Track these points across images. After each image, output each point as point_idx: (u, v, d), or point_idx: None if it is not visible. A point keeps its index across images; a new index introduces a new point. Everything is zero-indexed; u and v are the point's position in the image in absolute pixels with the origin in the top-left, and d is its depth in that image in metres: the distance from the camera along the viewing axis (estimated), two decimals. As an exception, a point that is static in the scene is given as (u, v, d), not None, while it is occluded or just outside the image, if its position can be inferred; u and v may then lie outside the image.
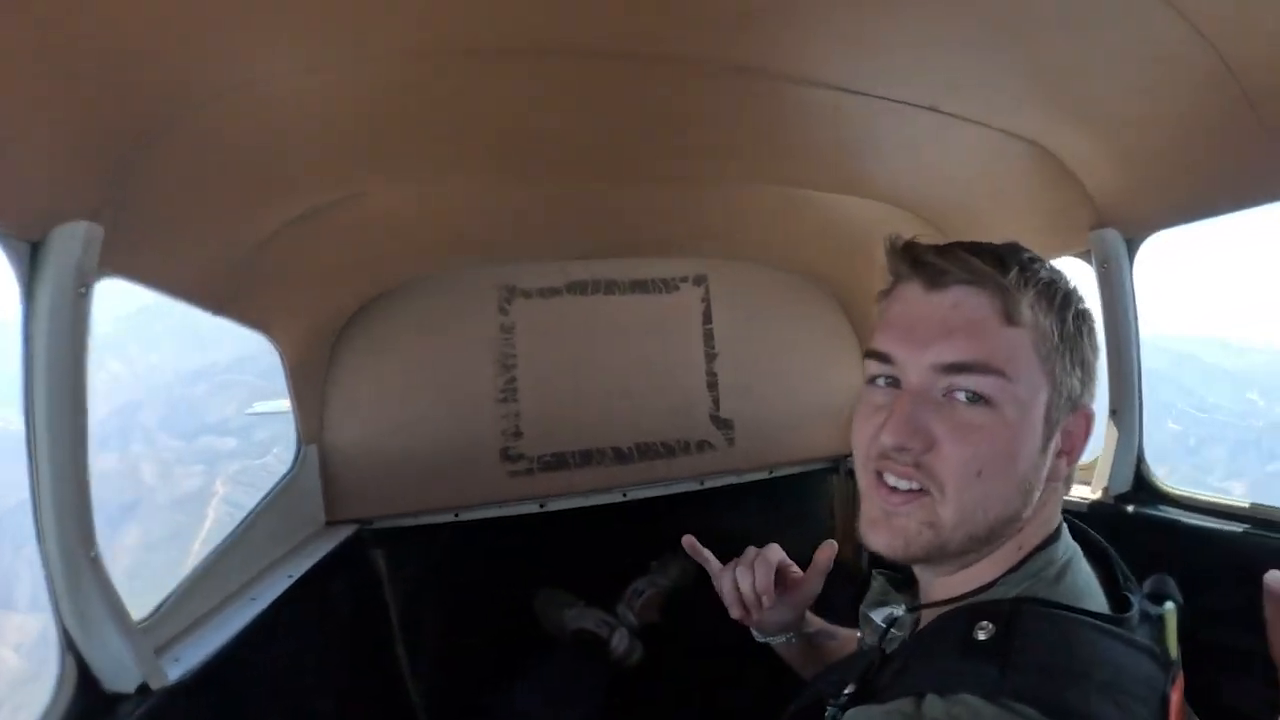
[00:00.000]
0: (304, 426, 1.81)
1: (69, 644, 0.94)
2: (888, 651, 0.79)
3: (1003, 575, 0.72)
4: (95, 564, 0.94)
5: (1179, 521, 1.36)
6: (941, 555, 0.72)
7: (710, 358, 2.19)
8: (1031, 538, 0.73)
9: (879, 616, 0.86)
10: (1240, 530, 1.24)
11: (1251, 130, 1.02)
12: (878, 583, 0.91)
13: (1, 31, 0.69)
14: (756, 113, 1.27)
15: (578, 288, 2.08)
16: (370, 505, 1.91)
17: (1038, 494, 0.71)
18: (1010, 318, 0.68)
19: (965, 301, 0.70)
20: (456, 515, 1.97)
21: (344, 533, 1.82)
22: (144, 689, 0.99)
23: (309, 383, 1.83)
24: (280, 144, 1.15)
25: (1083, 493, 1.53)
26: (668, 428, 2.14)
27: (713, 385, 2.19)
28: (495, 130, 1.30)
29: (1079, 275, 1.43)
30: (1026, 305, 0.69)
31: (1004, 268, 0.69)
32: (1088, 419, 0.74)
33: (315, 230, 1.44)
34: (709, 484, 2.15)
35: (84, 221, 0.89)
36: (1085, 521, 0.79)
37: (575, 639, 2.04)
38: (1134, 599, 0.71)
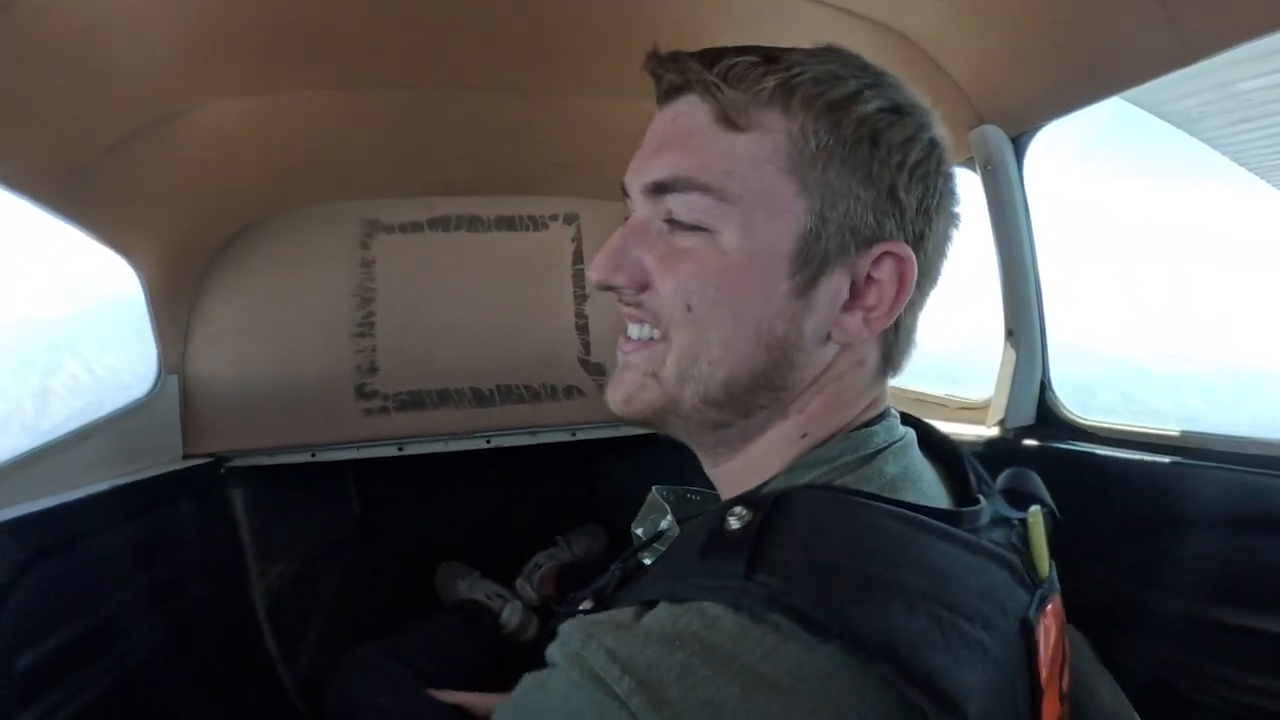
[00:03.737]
0: (165, 356, 1.76)
1: None
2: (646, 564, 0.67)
3: (788, 468, 0.57)
4: None
5: (1093, 454, 1.22)
6: (673, 418, 0.59)
7: (580, 299, 2.12)
8: (823, 423, 0.58)
9: (641, 531, 0.74)
10: (1168, 462, 1.11)
11: None
12: (650, 496, 0.77)
13: None
14: (606, 2, 1.20)
15: (440, 224, 2.03)
16: (229, 440, 1.85)
17: (804, 355, 0.56)
18: (730, 121, 0.54)
19: (685, 112, 0.57)
20: (313, 455, 1.91)
21: (200, 467, 1.77)
22: None
23: (171, 312, 1.77)
24: (114, 46, 1.10)
25: (977, 431, 1.41)
26: (533, 370, 2.06)
27: (583, 329, 2.12)
28: (329, 33, 1.24)
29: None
30: (757, 105, 0.54)
31: (715, 60, 0.55)
32: (900, 262, 0.55)
33: (164, 143, 1.39)
34: (581, 435, 2.07)
35: None
36: (981, 461, 0.65)
37: (461, 609, 1.98)
38: (986, 503, 0.57)
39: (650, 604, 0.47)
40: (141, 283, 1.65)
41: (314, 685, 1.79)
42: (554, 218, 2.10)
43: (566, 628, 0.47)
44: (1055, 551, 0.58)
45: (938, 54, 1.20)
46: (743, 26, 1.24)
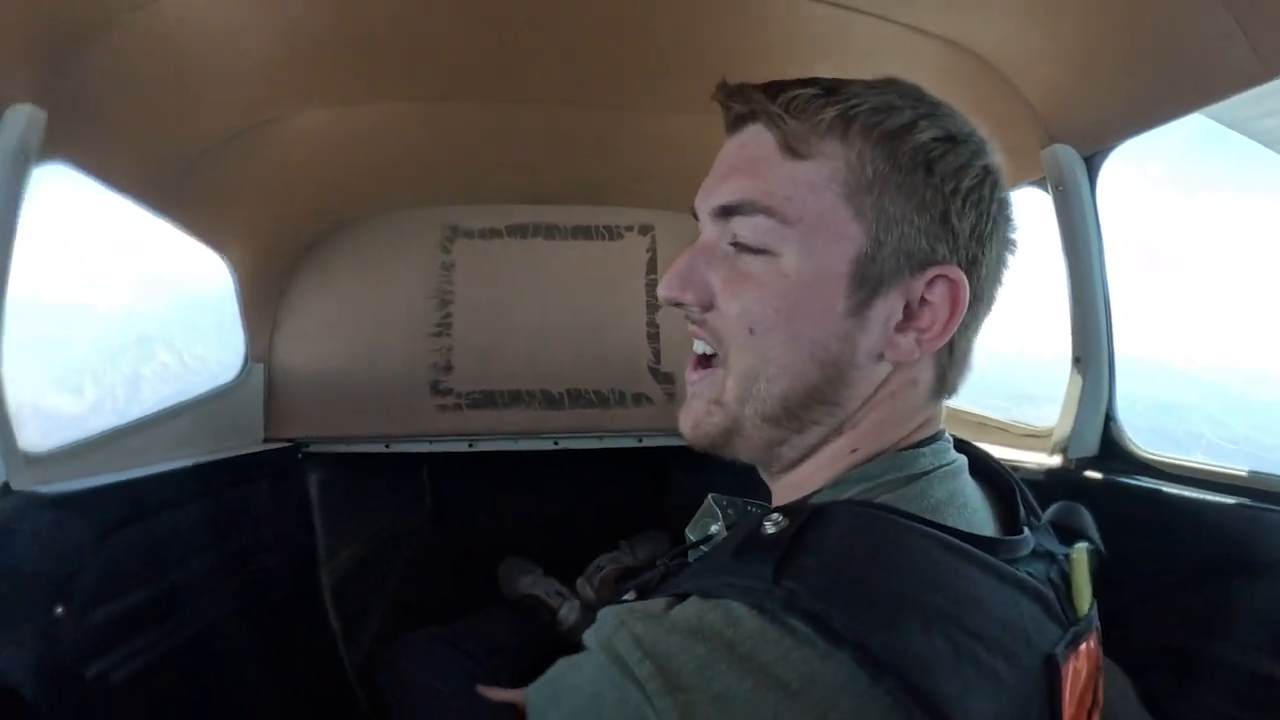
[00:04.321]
0: (252, 345, 1.88)
1: None
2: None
3: (833, 481, 0.59)
4: None
5: (1158, 491, 1.16)
6: (736, 439, 0.61)
7: (652, 309, 2.16)
8: (873, 440, 0.59)
9: (694, 535, 0.77)
10: (1237, 503, 1.04)
11: (1210, 7, 0.90)
12: (706, 502, 0.80)
13: None
14: (685, 20, 1.23)
15: (519, 231, 2.10)
16: (307, 427, 1.96)
17: (858, 372, 0.58)
18: (792, 149, 0.57)
19: (751, 140, 0.60)
20: (387, 446, 2.00)
21: (279, 450, 1.89)
22: (5, 489, 1.07)
23: (260, 305, 1.90)
24: (211, 56, 1.21)
25: (1038, 459, 1.37)
26: (603, 376, 2.11)
27: (654, 337, 2.15)
28: (413, 48, 1.31)
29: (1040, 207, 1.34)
30: (817, 134, 0.57)
31: (779, 92, 0.58)
32: (953, 285, 0.57)
33: (257, 149, 1.50)
34: (648, 442, 2.09)
35: (29, 105, 1.02)
36: (1040, 492, 0.64)
37: (521, 604, 2.03)
38: (1031, 534, 0.57)
39: (682, 597, 0.49)
40: (233, 277, 1.78)
41: (371, 665, 1.88)
42: (629, 228, 2.15)
43: (604, 614, 0.50)
44: (1104, 590, 0.57)
45: (1009, 72, 1.19)
46: (813, 46, 1.26)
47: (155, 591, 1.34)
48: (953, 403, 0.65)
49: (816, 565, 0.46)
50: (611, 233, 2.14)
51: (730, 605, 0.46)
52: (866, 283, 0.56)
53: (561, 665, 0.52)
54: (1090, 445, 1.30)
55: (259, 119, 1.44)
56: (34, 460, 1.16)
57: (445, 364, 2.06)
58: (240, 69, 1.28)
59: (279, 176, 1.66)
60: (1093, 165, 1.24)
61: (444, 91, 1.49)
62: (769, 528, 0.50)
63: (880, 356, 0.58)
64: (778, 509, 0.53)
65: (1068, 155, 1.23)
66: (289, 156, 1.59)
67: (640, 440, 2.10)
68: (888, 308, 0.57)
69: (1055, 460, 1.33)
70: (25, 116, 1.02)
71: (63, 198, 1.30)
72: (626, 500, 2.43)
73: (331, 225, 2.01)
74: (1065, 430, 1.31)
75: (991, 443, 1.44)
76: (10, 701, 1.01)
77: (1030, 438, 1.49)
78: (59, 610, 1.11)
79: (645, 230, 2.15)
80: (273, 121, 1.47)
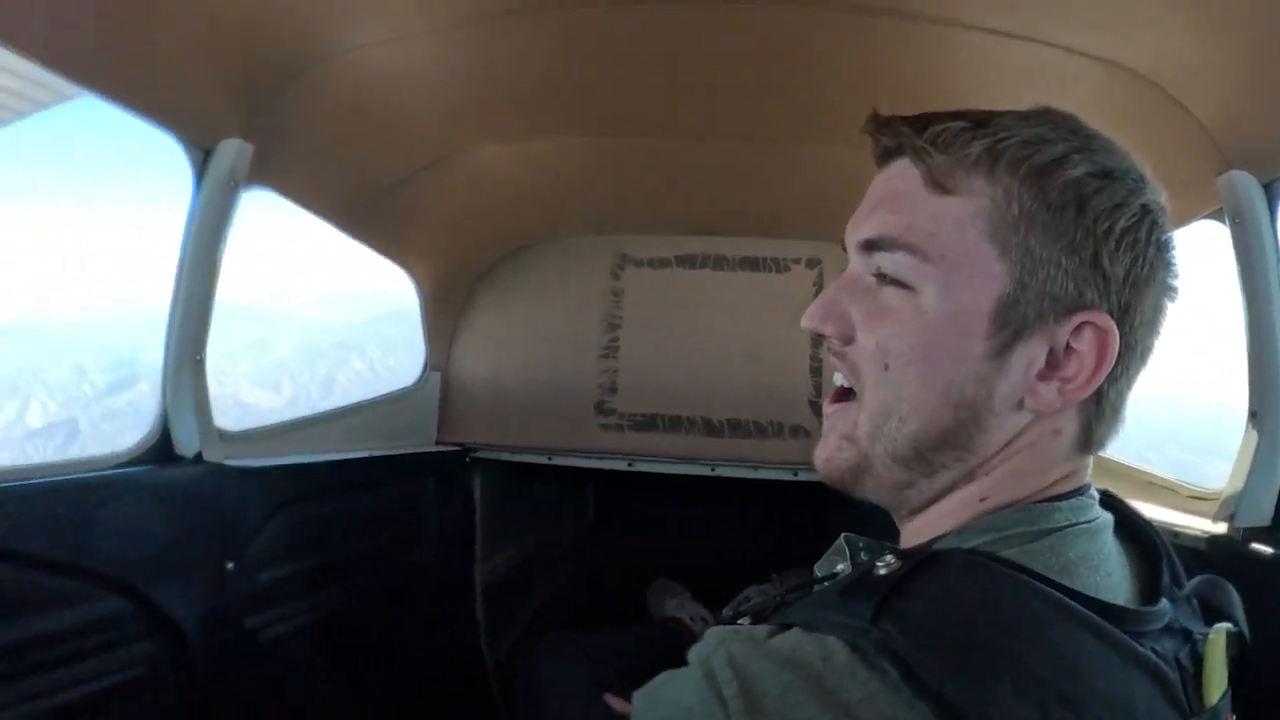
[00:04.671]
0: (432, 355, 2.12)
1: (163, 413, 1.29)
2: None
3: (958, 529, 0.57)
4: (198, 364, 1.30)
5: None
6: (866, 477, 0.61)
7: (816, 342, 2.15)
8: (1006, 489, 0.57)
9: (821, 572, 0.77)
10: None
11: None
12: (838, 541, 0.79)
13: (260, 11, 1.04)
14: (847, 53, 1.25)
15: (687, 261, 2.18)
16: (477, 434, 2.15)
17: (994, 419, 0.56)
18: (937, 184, 0.56)
19: (899, 174, 0.60)
20: (550, 458, 2.13)
21: (448, 453, 2.09)
22: (199, 458, 1.30)
23: (441, 319, 2.13)
24: (400, 97, 1.40)
25: (1202, 525, 1.20)
26: (763, 407, 2.13)
27: (816, 371, 2.15)
28: (585, 87, 1.43)
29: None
30: (964, 170, 0.56)
31: (926, 126, 0.57)
32: (1101, 333, 0.53)
33: (442, 180, 1.70)
34: (804, 476, 2.08)
35: (238, 139, 1.25)
36: (1200, 562, 0.61)
37: (665, 625, 2.08)
38: (1170, 607, 0.53)
39: (786, 627, 0.49)
40: (418, 293, 2.02)
41: (510, 663, 2.04)
42: (796, 261, 2.17)
43: (710, 632, 0.52)
44: (1248, 682, 0.53)
45: (1180, 94, 1.11)
46: (978, 72, 1.26)
47: (317, 563, 1.55)
48: (1117, 456, 0.61)
49: (917, 610, 0.46)
50: (779, 265, 2.17)
51: (826, 640, 0.46)
52: (1008, 325, 0.54)
53: (664, 676, 0.54)
54: (1263, 513, 1.13)
55: (443, 152, 1.62)
56: (226, 437, 1.39)
57: (611, 385, 2.16)
58: (426, 108, 1.45)
59: (462, 204, 1.85)
60: (1274, 193, 1.12)
61: (615, 127, 1.60)
62: (881, 569, 0.50)
63: (1019, 404, 0.55)
64: (893, 551, 0.55)
65: (1245, 183, 1.12)
66: (471, 186, 1.77)
67: (795, 474, 2.11)
68: (1030, 353, 0.55)
69: (1220, 527, 1.17)
70: (235, 149, 1.24)
71: (270, 220, 1.55)
72: (780, 533, 2.43)
73: (510, 249, 2.19)
74: (1234, 494, 1.15)
75: (1155, 503, 1.31)
76: (176, 636, 1.22)
77: (1197, 500, 1.33)
78: (229, 566, 1.33)
79: (812, 263, 2.17)
80: (456, 154, 1.65)
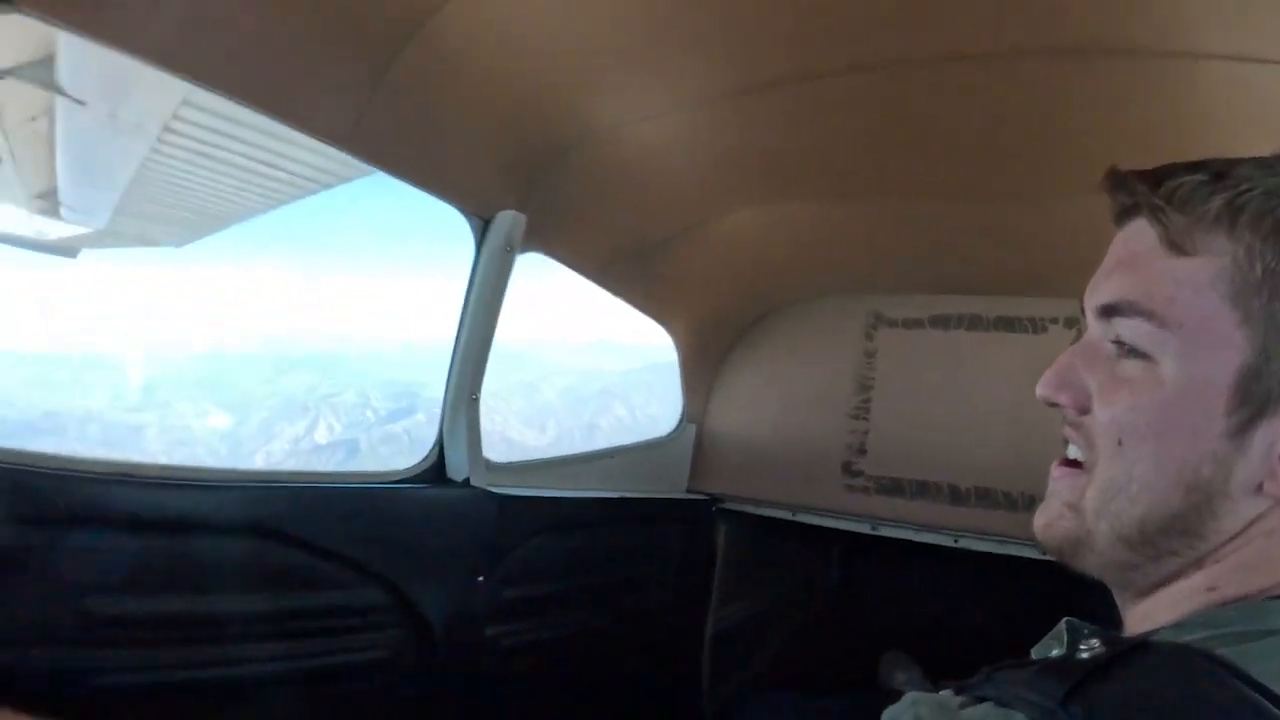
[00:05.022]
0: (689, 407, 2.23)
1: (439, 441, 1.51)
2: None
3: (1177, 621, 0.52)
4: (473, 403, 1.50)
5: None
6: (1086, 551, 0.56)
7: None
8: (1236, 582, 0.51)
9: (1035, 655, 0.71)
10: None
11: None
12: (1058, 626, 0.72)
13: (462, 83, 1.22)
14: (1099, 101, 1.20)
15: (941, 322, 2.11)
16: (725, 485, 2.21)
17: (1228, 504, 0.51)
18: (1175, 245, 0.51)
19: (1136, 234, 0.55)
20: (794, 515, 2.14)
21: (696, 501, 2.18)
22: (466, 482, 1.50)
23: (697, 374, 2.23)
24: (658, 168, 1.53)
25: None
26: (1013, 477, 1.96)
27: None
28: (833, 152, 1.47)
29: None
30: (1202, 228, 0.51)
31: (1162, 181, 0.53)
32: None
33: (699, 241, 1.82)
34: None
35: (514, 210, 1.44)
36: None
37: (888, 697, 1.95)
38: None
39: (980, 700, 0.49)
40: (677, 349, 2.14)
41: (727, 715, 2.05)
42: (1054, 320, 2.02)
43: (907, 695, 0.52)
44: None
45: None
46: (1219, 107, 1.18)
47: (559, 589, 1.69)
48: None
49: (1111, 699, 0.43)
50: (1035, 325, 2.03)
51: (1013, 715, 0.45)
52: (1250, 400, 0.49)
53: None
54: None
55: (699, 217, 1.74)
56: (493, 467, 1.59)
57: (859, 446, 2.12)
58: (683, 176, 1.58)
59: (718, 265, 1.95)
60: None
61: (866, 188, 1.63)
62: (1084, 652, 0.50)
63: (1258, 488, 0.50)
64: (1099, 635, 0.52)
65: None
66: (726, 248, 1.87)
67: (1044, 552, 1.87)
68: (1273, 433, 0.49)
69: None
70: (510, 219, 1.43)
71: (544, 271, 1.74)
72: (1024, 614, 2.20)
73: (765, 308, 2.26)
74: None
75: None
76: (424, 630, 1.42)
77: None
78: (480, 579, 1.50)
79: (1071, 323, 2.00)
80: (712, 219, 1.76)
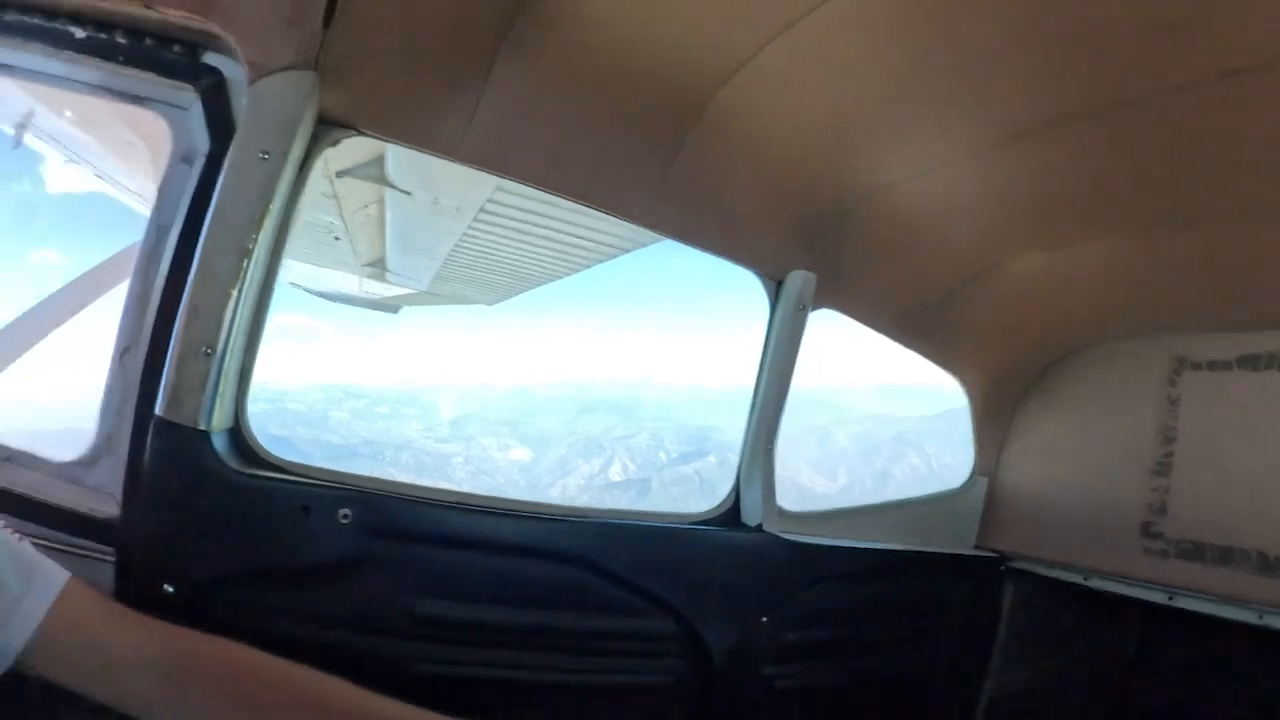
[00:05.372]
0: (979, 460, 2.17)
1: (736, 487, 1.62)
2: None
3: None
4: (768, 452, 1.60)
5: None
6: None
7: None
8: None
9: None
10: None
11: None
12: None
13: (746, 156, 1.37)
14: None
15: (1250, 362, 1.86)
16: (1014, 543, 2.12)
17: None
18: None
19: None
20: (1085, 579, 1.98)
21: (984, 559, 2.11)
22: (759, 527, 1.61)
23: (990, 425, 2.17)
24: (942, 219, 1.58)
25: None
26: None
27: None
28: (1118, 189, 1.43)
29: None
30: None
31: None
32: None
33: (988, 288, 1.82)
34: None
35: (804, 270, 1.56)
36: None
37: None
38: None
39: None
40: (968, 398, 2.12)
41: None
42: None
43: None
44: None
45: None
46: None
47: (838, 637, 1.74)
48: None
49: None
50: None
51: None
52: None
53: None
54: None
55: (988, 264, 1.74)
56: (785, 514, 1.68)
57: (1160, 505, 1.93)
58: (969, 225, 1.60)
59: (1007, 311, 1.92)
60: None
61: (1163, 222, 1.54)
62: None
63: None
64: None
65: None
66: (1017, 294, 1.85)
67: None
68: None
69: None
70: (801, 279, 1.54)
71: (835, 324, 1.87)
72: None
73: (1058, 354, 2.14)
74: None
75: None
76: (704, 662, 1.53)
77: None
78: (764, 620, 1.59)
79: None
80: (1000, 265, 1.75)
